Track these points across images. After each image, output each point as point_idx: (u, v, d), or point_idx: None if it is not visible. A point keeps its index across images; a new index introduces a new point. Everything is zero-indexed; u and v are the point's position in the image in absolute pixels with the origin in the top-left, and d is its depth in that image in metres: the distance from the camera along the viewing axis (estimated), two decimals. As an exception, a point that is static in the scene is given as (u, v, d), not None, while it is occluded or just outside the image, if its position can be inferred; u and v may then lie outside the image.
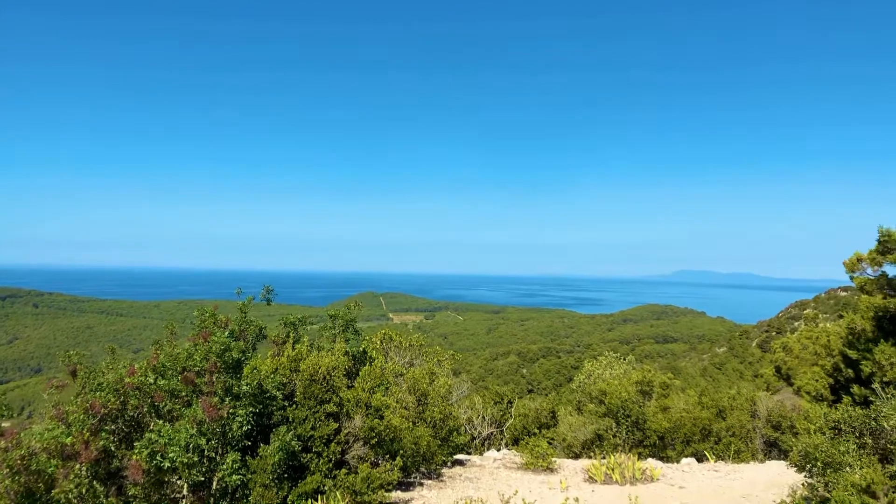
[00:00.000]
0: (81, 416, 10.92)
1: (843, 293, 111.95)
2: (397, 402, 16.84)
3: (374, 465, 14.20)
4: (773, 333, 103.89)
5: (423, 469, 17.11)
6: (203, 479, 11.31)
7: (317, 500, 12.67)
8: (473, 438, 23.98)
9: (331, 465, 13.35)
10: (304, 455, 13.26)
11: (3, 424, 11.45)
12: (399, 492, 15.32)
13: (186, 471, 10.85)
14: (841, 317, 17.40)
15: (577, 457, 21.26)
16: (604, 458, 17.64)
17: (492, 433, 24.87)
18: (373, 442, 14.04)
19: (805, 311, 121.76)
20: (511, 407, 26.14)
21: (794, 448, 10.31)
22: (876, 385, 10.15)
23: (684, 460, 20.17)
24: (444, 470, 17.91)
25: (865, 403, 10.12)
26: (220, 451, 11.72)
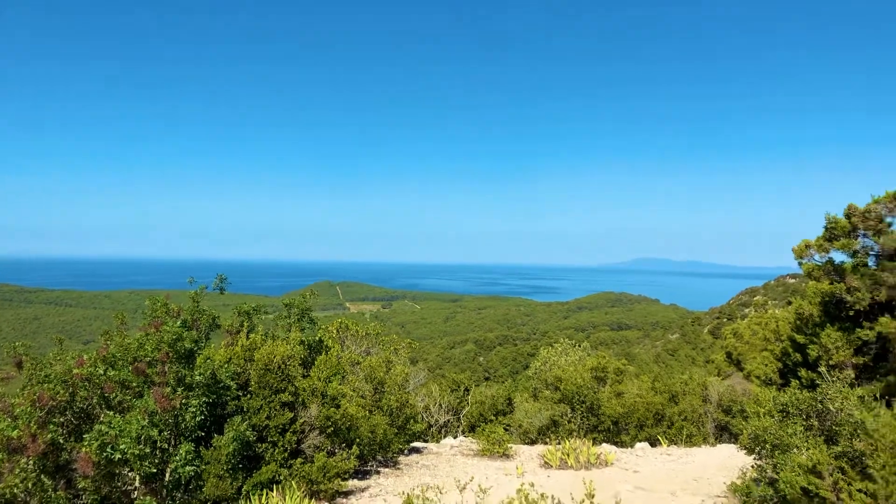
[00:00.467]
0: (28, 409, 10.62)
1: (792, 280, 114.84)
2: (354, 390, 16.78)
3: (331, 454, 14.14)
4: (725, 320, 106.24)
5: (379, 457, 17.11)
6: (155, 470, 11.14)
7: (272, 490, 12.56)
8: (430, 426, 24.05)
9: (286, 454, 13.27)
10: (259, 445, 13.16)
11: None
12: (356, 480, 15.30)
13: (138, 462, 10.66)
14: (789, 303, 17.82)
15: (533, 443, 21.48)
16: (559, 443, 17.83)
17: (449, 421, 24.96)
18: (329, 431, 13.97)
19: (755, 298, 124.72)
20: (468, 394, 26.27)
21: (744, 431, 10.53)
22: (822, 368, 10.43)
23: (638, 445, 20.52)
24: (401, 458, 17.93)
25: (812, 386, 10.38)
26: (172, 442, 11.56)
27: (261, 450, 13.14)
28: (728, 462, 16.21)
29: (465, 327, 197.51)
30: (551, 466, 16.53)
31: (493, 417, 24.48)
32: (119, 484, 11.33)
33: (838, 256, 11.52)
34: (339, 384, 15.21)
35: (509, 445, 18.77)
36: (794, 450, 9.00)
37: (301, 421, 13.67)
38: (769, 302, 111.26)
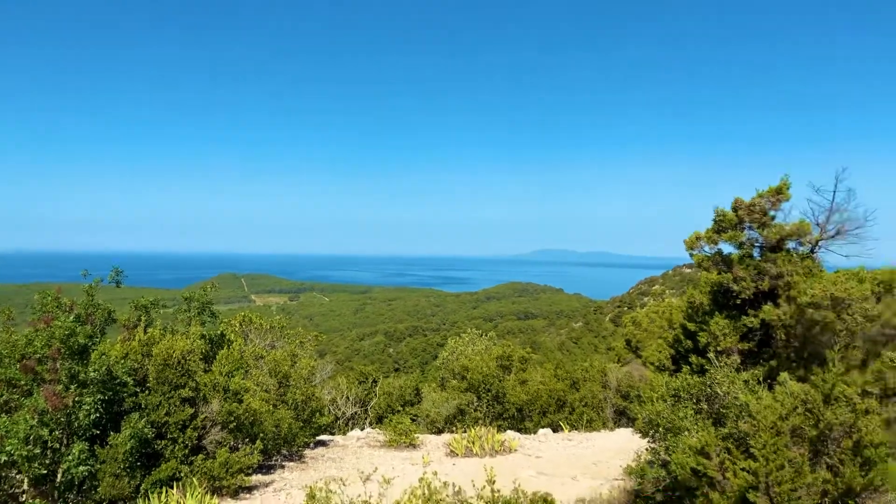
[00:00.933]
0: None
1: (688, 270, 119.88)
2: (257, 385, 16.53)
3: (234, 449, 13.90)
4: (625, 308, 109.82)
5: (284, 451, 16.94)
6: (46, 472, 10.73)
7: (172, 488, 12.26)
8: (337, 419, 23.93)
9: (187, 451, 12.96)
10: (159, 442, 12.81)
11: None
12: (260, 475, 15.10)
13: (26, 464, 10.26)
14: (684, 292, 18.59)
15: (440, 432, 21.69)
16: (465, 432, 18.10)
17: (356, 413, 24.90)
18: (232, 426, 13.73)
19: (653, 287, 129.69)
20: (376, 386, 26.26)
21: (640, 416, 10.97)
22: (711, 354, 10.94)
23: (541, 431, 21.05)
24: (307, 451, 17.80)
25: (702, 372, 10.90)
26: (65, 442, 11.14)
27: (160, 447, 12.80)
28: (626, 446, 16.84)
29: (375, 319, 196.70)
30: (457, 455, 16.76)
31: (400, 408, 24.57)
32: (6, 487, 10.87)
33: (727, 248, 12.09)
34: (242, 379, 14.96)
35: (416, 436, 18.90)
36: (685, 432, 9.43)
37: (202, 416, 13.38)
38: (667, 291, 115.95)
